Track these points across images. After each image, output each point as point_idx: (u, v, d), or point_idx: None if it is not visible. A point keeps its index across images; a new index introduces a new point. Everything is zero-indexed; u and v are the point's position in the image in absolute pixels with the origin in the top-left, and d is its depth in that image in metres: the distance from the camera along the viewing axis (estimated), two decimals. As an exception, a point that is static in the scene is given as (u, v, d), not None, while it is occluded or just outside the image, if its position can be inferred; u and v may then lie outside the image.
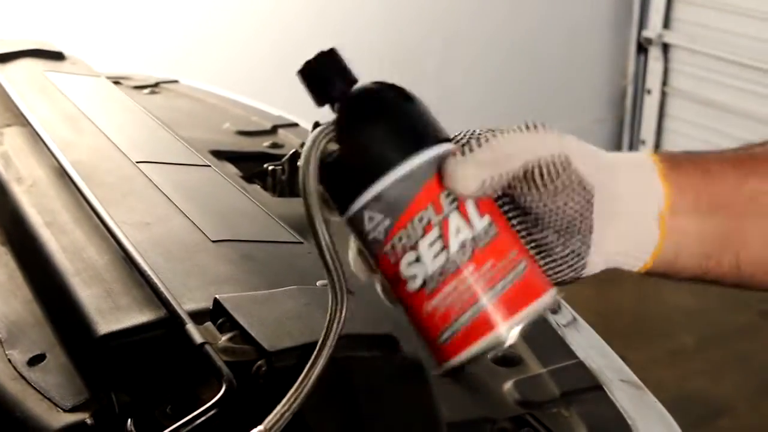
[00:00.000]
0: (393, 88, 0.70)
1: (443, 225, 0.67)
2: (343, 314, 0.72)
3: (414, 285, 0.68)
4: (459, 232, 0.67)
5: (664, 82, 4.51)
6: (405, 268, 0.67)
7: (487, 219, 0.68)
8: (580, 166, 0.69)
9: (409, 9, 3.98)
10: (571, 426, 0.99)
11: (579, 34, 4.50)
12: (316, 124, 0.70)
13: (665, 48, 4.44)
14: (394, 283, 0.69)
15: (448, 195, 0.67)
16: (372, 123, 0.68)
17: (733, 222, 0.74)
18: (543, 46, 4.38)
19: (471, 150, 0.67)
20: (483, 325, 0.67)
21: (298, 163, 0.70)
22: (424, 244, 0.67)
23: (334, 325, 0.72)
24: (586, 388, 1.05)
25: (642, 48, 4.52)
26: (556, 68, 4.44)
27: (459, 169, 0.66)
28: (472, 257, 0.67)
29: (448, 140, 0.70)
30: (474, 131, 0.72)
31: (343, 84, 0.69)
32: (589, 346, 1.19)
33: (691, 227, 0.73)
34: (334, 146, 0.69)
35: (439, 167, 0.67)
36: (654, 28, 4.43)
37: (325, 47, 0.70)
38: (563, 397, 1.03)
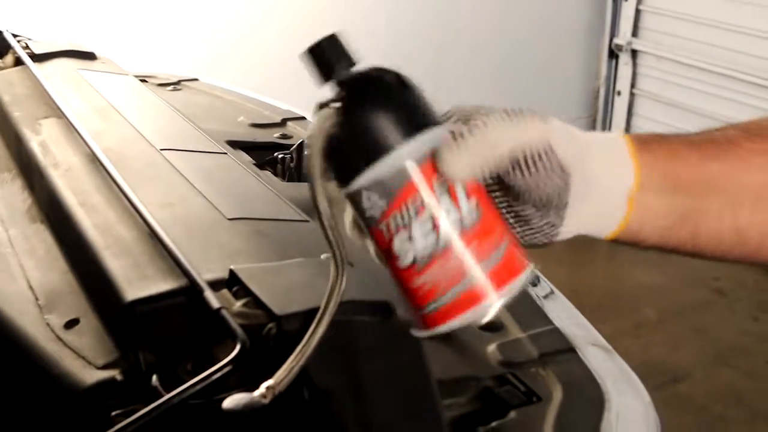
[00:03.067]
0: (390, 73, 0.68)
1: (434, 207, 0.65)
2: (343, 282, 0.71)
3: (405, 261, 0.66)
4: (449, 214, 0.65)
5: (633, 85, 4.50)
6: (397, 245, 0.66)
7: (474, 201, 0.67)
8: (560, 152, 0.68)
9: (405, 20, 3.97)
10: (548, 384, 0.99)
11: (557, 41, 4.49)
12: (321, 105, 0.68)
13: (634, 54, 4.43)
14: (386, 255, 0.68)
15: (439, 179, 0.66)
16: (370, 107, 0.66)
17: (693, 200, 0.74)
18: (526, 52, 4.37)
19: (463, 137, 0.67)
20: (466, 300, 0.66)
21: (305, 143, 0.69)
22: (416, 225, 0.65)
23: (336, 291, 0.71)
24: (561, 350, 1.06)
25: (613, 54, 4.51)
26: (537, 72, 4.43)
27: (451, 156, 0.65)
28: (460, 237, 0.66)
29: (439, 123, 0.68)
30: (463, 109, 0.71)
31: (344, 65, 0.67)
32: (564, 315, 1.19)
33: (656, 203, 0.73)
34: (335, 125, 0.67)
35: (432, 153, 0.66)
36: (624, 36, 4.42)
37: (328, 32, 0.68)
38: (541, 359, 1.03)
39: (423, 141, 0.66)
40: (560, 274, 1.34)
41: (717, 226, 0.75)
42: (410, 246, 0.66)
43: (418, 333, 0.68)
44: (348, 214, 0.70)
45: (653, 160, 0.72)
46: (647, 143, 0.73)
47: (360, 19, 3.81)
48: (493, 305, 0.66)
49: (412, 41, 4.00)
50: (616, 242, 0.74)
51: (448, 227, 0.65)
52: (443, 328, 0.67)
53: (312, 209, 1.18)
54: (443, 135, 0.67)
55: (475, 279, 0.66)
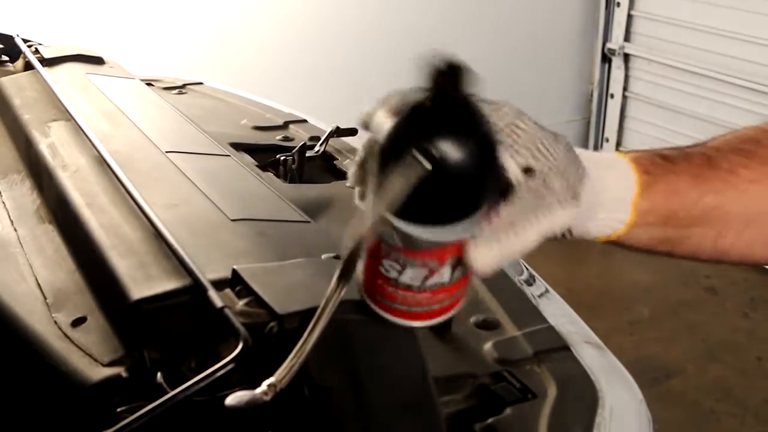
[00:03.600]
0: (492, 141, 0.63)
1: (434, 270, 0.68)
2: (345, 288, 0.72)
3: (385, 273, 0.69)
4: (440, 277, 0.68)
5: (625, 88, 4.50)
6: (387, 265, 0.68)
7: (460, 270, 0.69)
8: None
9: (400, 24, 3.96)
10: (543, 381, 0.99)
11: (552, 45, 4.49)
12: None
13: (626, 58, 4.42)
14: (372, 252, 0.69)
15: (456, 256, 0.67)
16: (462, 168, 0.61)
17: (681, 230, 0.75)
18: (521, 56, 4.37)
19: (497, 241, 0.65)
20: (409, 315, 0.71)
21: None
22: (412, 270, 0.68)
23: (336, 292, 0.71)
24: (556, 348, 1.06)
25: (606, 58, 4.50)
26: (531, 75, 4.42)
27: (481, 251, 0.66)
28: (434, 291, 0.69)
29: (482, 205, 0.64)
30: (501, 116, 0.68)
31: (456, 106, 0.61)
32: (559, 313, 1.19)
33: (644, 235, 0.74)
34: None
35: (466, 241, 0.66)
36: (617, 40, 4.41)
37: (452, 58, 0.60)
38: (536, 356, 1.03)
39: (466, 229, 0.64)
40: (555, 273, 1.34)
41: (696, 248, 0.76)
42: (396, 274, 0.69)
43: (358, 295, 0.72)
44: (354, 162, 0.69)
45: (652, 203, 0.73)
46: (653, 183, 0.73)
47: (359, 21, 3.81)
48: (419, 325, 0.72)
49: (408, 47, 3.99)
50: (606, 243, 0.75)
51: (431, 284, 0.69)
52: (381, 314, 0.71)
53: (312, 209, 1.18)
54: (477, 224, 0.65)
55: (423, 308, 0.70)
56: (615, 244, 0.75)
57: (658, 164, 0.74)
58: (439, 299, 0.70)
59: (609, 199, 0.72)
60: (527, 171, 0.66)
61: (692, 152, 0.77)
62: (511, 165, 0.66)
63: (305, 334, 0.69)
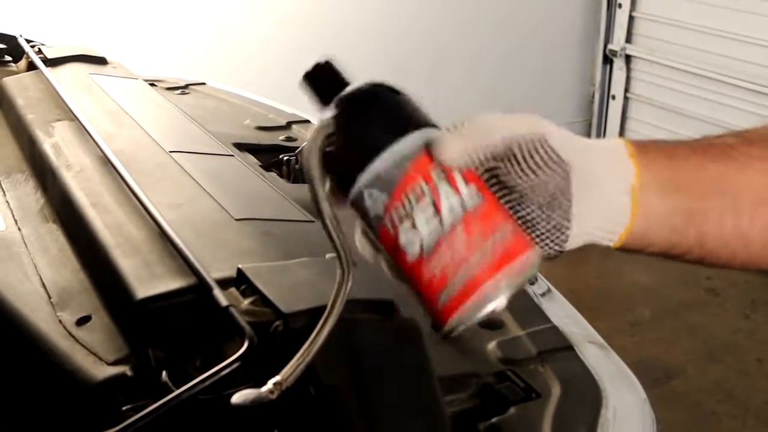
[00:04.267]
0: (381, 84, 0.70)
1: (434, 193, 0.66)
2: (350, 282, 0.71)
3: (413, 252, 0.66)
4: (448, 198, 0.66)
5: (627, 89, 4.50)
6: (403, 238, 0.66)
7: (473, 187, 0.67)
8: (556, 144, 0.68)
9: (401, 26, 3.97)
10: (546, 380, 0.99)
11: (554, 47, 4.49)
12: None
13: (628, 59, 4.43)
14: (396, 255, 0.68)
15: (436, 168, 0.66)
16: (363, 113, 0.68)
17: (696, 201, 0.72)
18: (522, 57, 4.37)
19: (456, 128, 0.67)
20: (474, 283, 0.65)
21: (301, 153, 0.70)
22: (418, 212, 0.66)
23: (342, 290, 0.71)
24: (559, 348, 1.06)
25: (608, 59, 4.50)
26: (533, 76, 4.43)
27: (446, 141, 0.66)
28: (462, 219, 0.66)
29: (435, 126, 0.69)
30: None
31: (337, 87, 0.70)
32: (562, 314, 1.19)
33: (659, 202, 0.71)
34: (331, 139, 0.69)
35: (427, 145, 0.67)
36: (618, 42, 4.41)
37: (322, 58, 0.71)
38: (539, 356, 1.03)
39: (416, 137, 0.67)
40: (556, 274, 1.33)
41: (720, 229, 0.73)
42: (415, 235, 0.66)
43: (439, 334, 0.68)
44: (357, 230, 0.70)
45: (651, 161, 0.71)
46: (644, 146, 0.73)
47: (359, 21, 3.81)
48: (499, 285, 0.66)
49: (409, 47, 4.00)
50: (624, 250, 0.73)
51: (448, 210, 0.66)
52: (458, 317, 0.66)
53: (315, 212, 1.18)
54: (438, 131, 0.68)
55: (479, 261, 0.65)
56: (640, 244, 0.72)
57: (644, 141, 0.74)
58: (480, 233, 0.65)
59: (604, 160, 0.70)
60: None
61: (683, 139, 0.77)
62: None
63: (314, 333, 0.69)
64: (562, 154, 0.67)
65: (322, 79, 0.70)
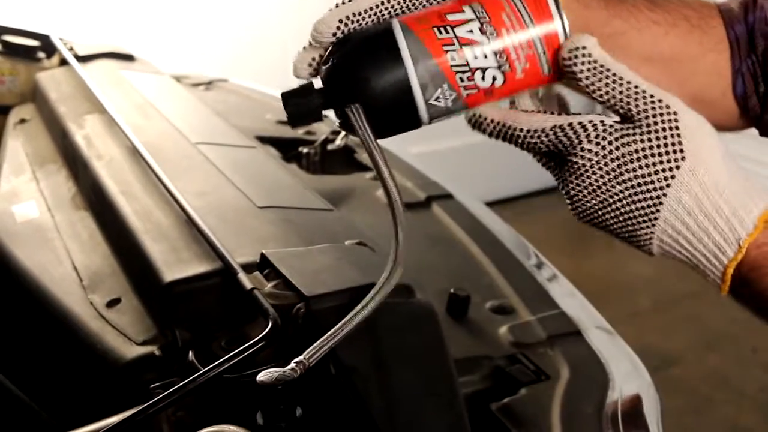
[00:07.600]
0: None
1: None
2: (397, 275, 0.71)
3: (471, 59, 0.67)
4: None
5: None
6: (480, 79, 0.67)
7: None
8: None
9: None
10: (555, 363, 0.99)
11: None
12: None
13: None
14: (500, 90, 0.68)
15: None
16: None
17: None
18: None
19: None
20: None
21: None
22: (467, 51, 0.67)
23: (393, 277, 0.71)
24: (568, 333, 1.05)
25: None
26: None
27: None
28: None
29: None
30: None
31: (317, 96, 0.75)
32: (569, 299, 1.19)
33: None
34: None
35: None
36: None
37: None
38: (549, 340, 1.03)
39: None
40: (560, 264, 1.33)
41: None
42: (470, 33, 0.68)
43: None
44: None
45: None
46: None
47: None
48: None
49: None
50: None
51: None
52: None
53: (335, 197, 1.17)
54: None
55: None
56: None
57: None
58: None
59: None
60: None
61: None
62: None
63: (349, 316, 0.69)
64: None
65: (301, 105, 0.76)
